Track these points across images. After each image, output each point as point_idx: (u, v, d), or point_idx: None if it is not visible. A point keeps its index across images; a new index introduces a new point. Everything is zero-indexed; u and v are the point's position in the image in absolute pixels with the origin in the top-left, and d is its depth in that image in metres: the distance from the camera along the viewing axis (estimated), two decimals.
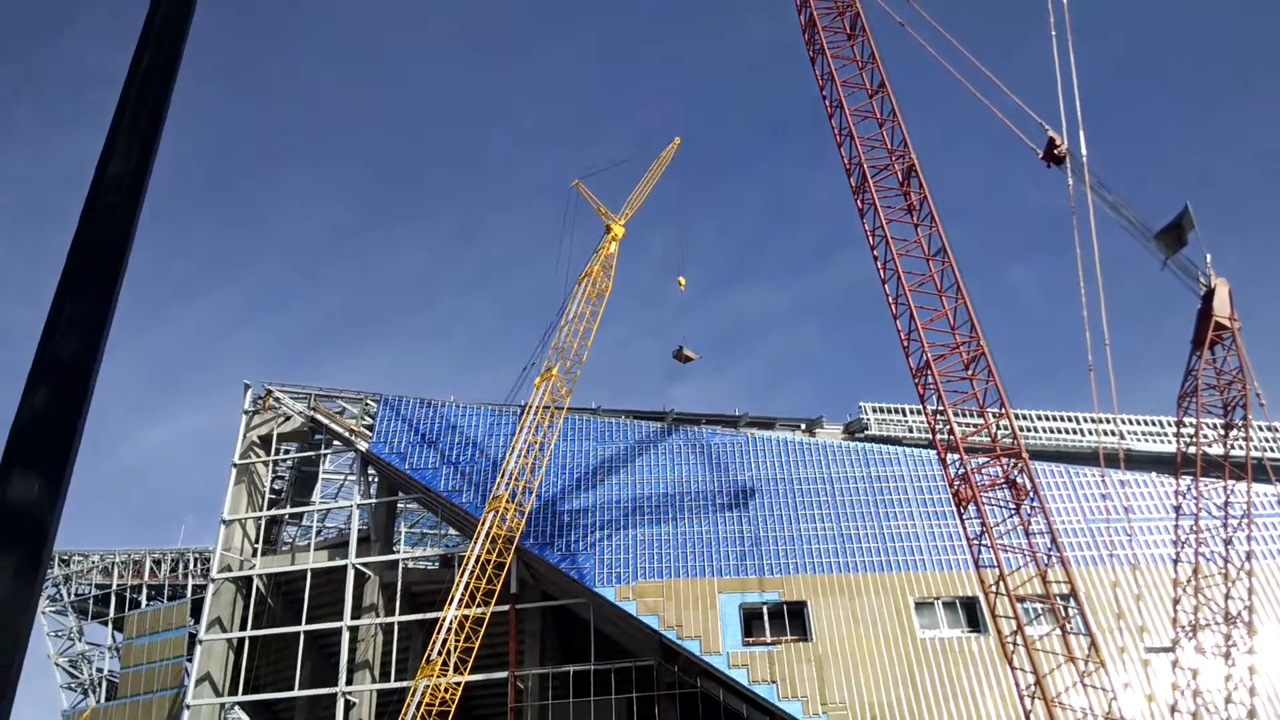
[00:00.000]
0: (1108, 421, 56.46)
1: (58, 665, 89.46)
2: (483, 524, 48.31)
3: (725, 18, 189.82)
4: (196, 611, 67.42)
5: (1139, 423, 59.46)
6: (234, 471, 60.06)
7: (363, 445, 57.64)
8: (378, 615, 55.06)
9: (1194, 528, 40.31)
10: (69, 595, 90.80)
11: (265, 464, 61.99)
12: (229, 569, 57.54)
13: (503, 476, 49.75)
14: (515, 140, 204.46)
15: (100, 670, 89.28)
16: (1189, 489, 40.50)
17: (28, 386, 3.94)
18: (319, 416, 60.31)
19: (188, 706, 53.76)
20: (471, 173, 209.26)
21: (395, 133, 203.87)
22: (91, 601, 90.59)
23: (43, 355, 3.99)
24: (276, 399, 61.70)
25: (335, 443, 61.30)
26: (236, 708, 63.76)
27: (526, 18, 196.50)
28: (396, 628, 54.49)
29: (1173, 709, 38.79)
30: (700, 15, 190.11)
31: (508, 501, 48.69)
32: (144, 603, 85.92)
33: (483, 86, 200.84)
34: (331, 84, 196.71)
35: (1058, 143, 38.01)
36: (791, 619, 47.36)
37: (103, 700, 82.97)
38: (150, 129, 4.67)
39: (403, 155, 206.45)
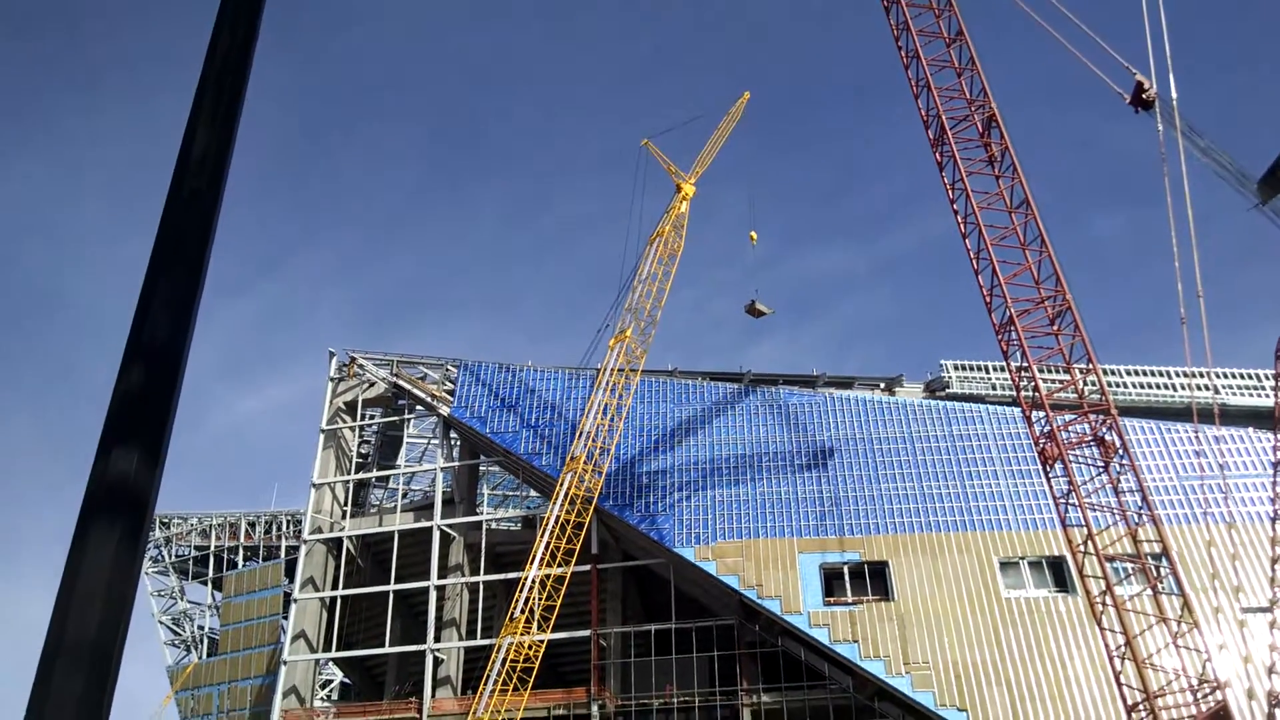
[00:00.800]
0: (1202, 376, 54.60)
1: (161, 623, 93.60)
2: (561, 484, 48.98)
3: None
4: (290, 571, 69.88)
5: (1235, 376, 57.40)
6: (322, 437, 61.75)
7: (444, 410, 58.71)
8: (463, 575, 56.34)
9: None
10: (170, 556, 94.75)
11: (351, 429, 63.57)
12: (320, 530, 59.36)
13: (580, 438, 50.25)
14: (585, 105, 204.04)
15: (201, 628, 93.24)
16: None
17: (123, 365, 4.11)
18: (401, 382, 61.57)
19: (284, 662, 55.85)
20: (542, 138, 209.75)
21: (464, 100, 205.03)
22: (191, 562, 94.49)
23: (136, 335, 4.15)
24: (360, 366, 63.13)
25: (418, 408, 62.57)
26: (330, 663, 66.13)
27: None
28: (481, 587, 55.71)
29: (1270, 670, 37.75)
30: None
31: (585, 463, 49.21)
32: (240, 563, 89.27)
33: (551, 51, 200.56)
34: (400, 55, 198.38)
35: (1146, 86, 36.58)
36: (873, 579, 47.14)
37: (204, 656, 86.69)
38: (229, 112, 4.80)
39: (472, 122, 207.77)
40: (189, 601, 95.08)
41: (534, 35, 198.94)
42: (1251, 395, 55.79)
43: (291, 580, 65.56)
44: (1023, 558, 46.84)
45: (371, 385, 62.90)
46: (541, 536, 48.07)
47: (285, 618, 66.71)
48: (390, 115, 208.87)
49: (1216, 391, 52.45)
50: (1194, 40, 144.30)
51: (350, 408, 63.41)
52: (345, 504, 61.67)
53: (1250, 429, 50.97)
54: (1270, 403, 43.06)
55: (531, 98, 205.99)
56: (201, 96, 4.83)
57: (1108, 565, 34.54)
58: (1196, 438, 48.14)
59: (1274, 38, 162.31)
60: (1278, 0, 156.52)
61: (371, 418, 65.66)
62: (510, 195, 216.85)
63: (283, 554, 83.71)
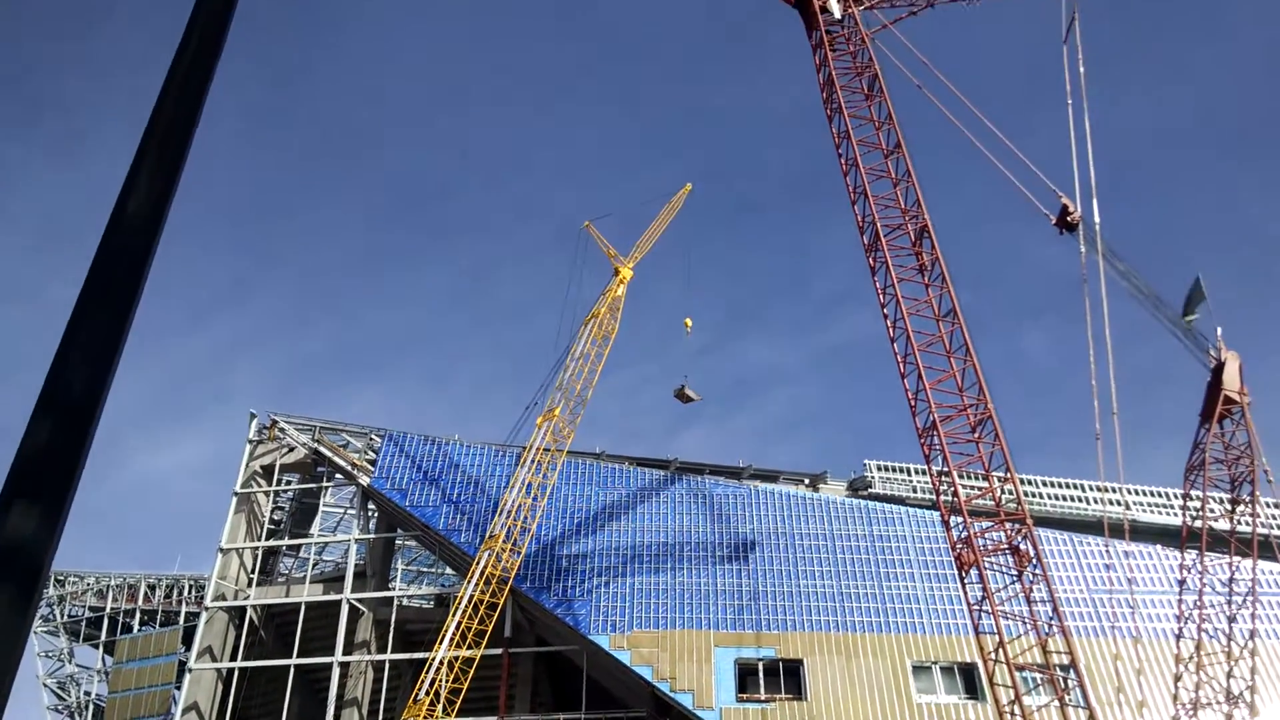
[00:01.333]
0: (1113, 491, 56.05)
1: (46, 686, 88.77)
2: (477, 563, 47.99)
3: (743, 74, 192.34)
4: (188, 639, 66.96)
5: (1145, 493, 59.05)
6: (234, 500, 59.90)
7: (364, 480, 57.51)
8: (369, 652, 54.54)
9: (1198, 603, 39.91)
10: (61, 616, 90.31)
11: (266, 494, 61.83)
12: (223, 598, 57.18)
13: (500, 516, 49.51)
14: (531, 187, 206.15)
15: (88, 694, 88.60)
16: (1194, 563, 40.16)
17: (33, 418, 3.94)
18: (322, 449, 60.26)
19: None
20: (485, 217, 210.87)
21: (409, 173, 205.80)
22: (84, 624, 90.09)
23: (51, 386, 3.99)
24: (281, 429, 61.71)
25: (337, 476, 61.17)
26: None
27: (548, 68, 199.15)
28: (387, 666, 53.95)
29: None
30: (719, 71, 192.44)
31: (504, 541, 48.41)
32: (136, 627, 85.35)
33: (499, 133, 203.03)
34: (347, 121, 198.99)
35: (1070, 209, 38.26)
36: (787, 676, 46.77)
37: None
38: (172, 168, 4.72)
39: (416, 196, 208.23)
40: (77, 665, 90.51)
41: (484, 114, 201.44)
42: (1161, 513, 57.37)
43: (188, 648, 62.84)
44: (935, 662, 46.96)
45: (291, 450, 61.40)
46: (453, 615, 46.84)
47: (178, 688, 63.65)
48: (334, 180, 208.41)
49: (1127, 507, 53.85)
50: (1118, 166, 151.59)
51: (267, 472, 61.75)
52: (252, 571, 59.61)
53: (1159, 546, 52.28)
54: (1179, 521, 44.27)
55: (478, 176, 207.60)
56: (144, 152, 4.75)
57: (1017, 675, 34.82)
58: (1107, 551, 49.20)
59: (1195, 165, 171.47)
60: (1200, 131, 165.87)
61: (288, 483, 63.97)
62: (450, 270, 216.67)
63: (181, 620, 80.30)
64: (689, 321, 57.98)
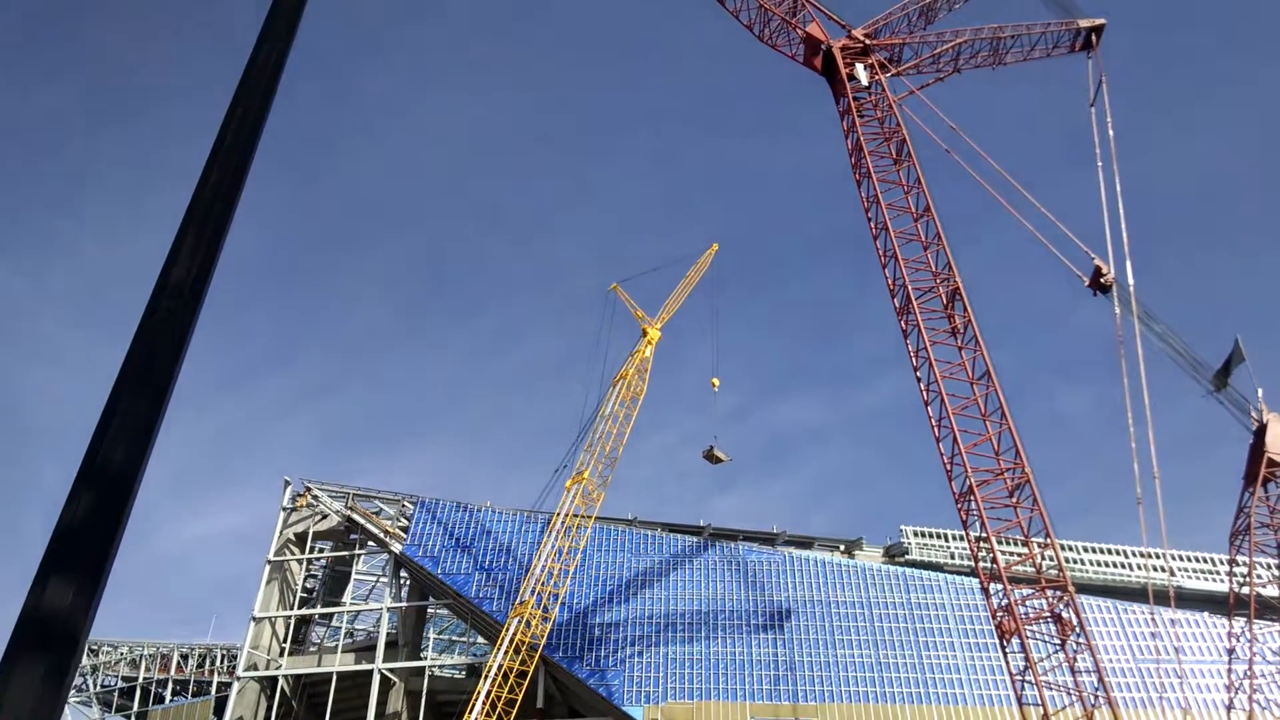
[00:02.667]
0: (1157, 557, 54.79)
1: None
2: (507, 629, 47.36)
3: (775, 134, 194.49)
4: (220, 710, 66.56)
5: (1190, 559, 57.67)
6: (267, 568, 59.93)
7: (397, 547, 57.42)
8: None
9: (1248, 673, 38.67)
10: (95, 686, 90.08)
11: (299, 562, 61.84)
12: (255, 667, 56.90)
13: (529, 582, 49.05)
14: (563, 250, 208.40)
15: None
16: (1243, 631, 39.01)
17: (73, 492, 3.97)
18: (355, 516, 60.34)
19: None
20: (521, 278, 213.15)
21: (443, 239, 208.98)
22: (116, 694, 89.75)
23: (90, 460, 4.03)
24: (315, 497, 61.92)
25: (370, 543, 61.14)
26: None
27: (581, 128, 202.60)
28: None
29: None
30: (751, 133, 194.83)
31: (534, 608, 47.85)
32: (168, 698, 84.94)
33: (529, 197, 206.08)
34: (381, 190, 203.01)
35: (1104, 271, 38.05)
36: None
37: None
38: (214, 240, 4.82)
39: (449, 261, 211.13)
40: None
41: (516, 179, 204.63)
42: (1207, 579, 55.95)
43: (220, 719, 62.39)
44: None
45: (324, 517, 61.53)
46: (483, 683, 46.14)
47: None
48: (369, 248, 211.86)
49: (1172, 574, 52.57)
50: (1153, 228, 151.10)
51: (300, 539, 61.84)
52: (285, 640, 59.36)
53: (1205, 613, 50.88)
54: (1225, 588, 43.14)
55: (511, 236, 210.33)
56: (187, 224, 4.86)
57: None
58: (1152, 619, 47.94)
59: (1230, 229, 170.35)
60: (1234, 190, 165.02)
61: (321, 551, 64.00)
62: (481, 333, 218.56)
63: (213, 690, 79.84)
64: (716, 381, 57.99)
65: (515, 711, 45.92)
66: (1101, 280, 38.02)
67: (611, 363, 57.71)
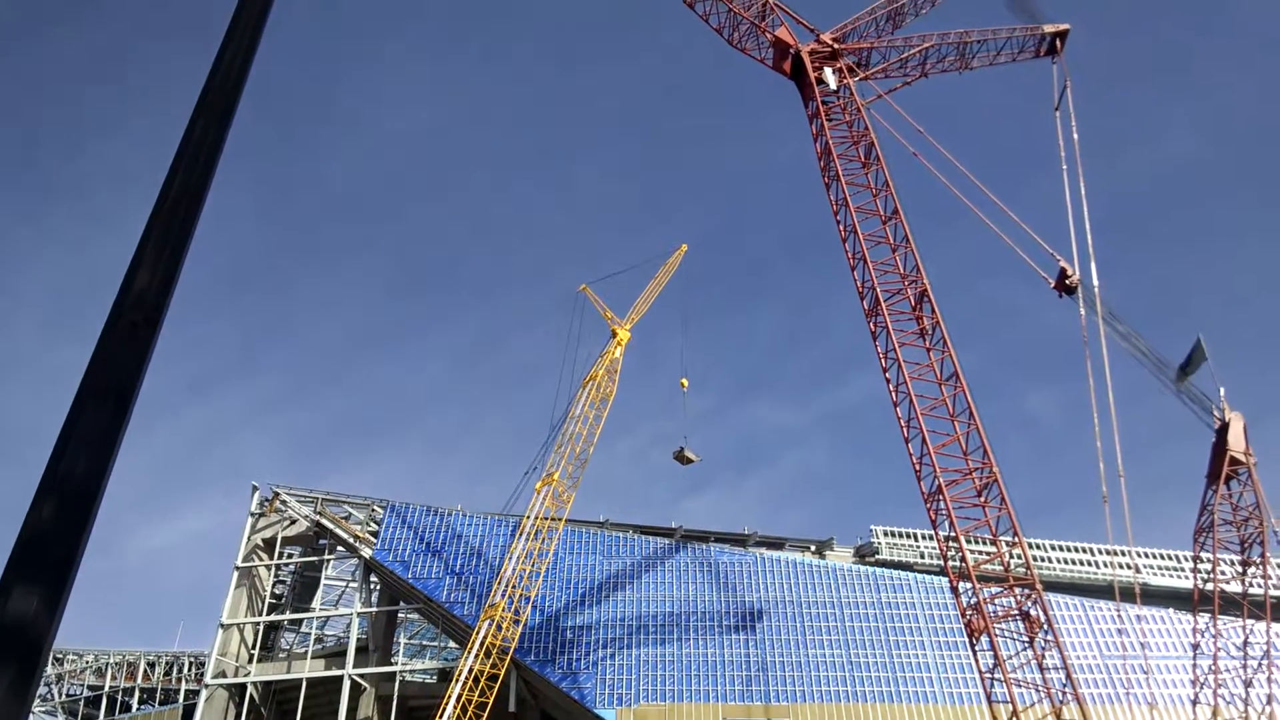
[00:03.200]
0: (1123, 554, 55.51)
1: None
2: (477, 633, 47.19)
3: (749, 140, 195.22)
4: (188, 718, 65.78)
5: (1155, 556, 58.47)
6: (235, 574, 59.37)
7: (367, 552, 57.07)
8: None
9: (1213, 668, 39.25)
10: (59, 695, 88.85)
11: (267, 568, 61.30)
12: (223, 674, 56.33)
13: (500, 584, 48.90)
14: (542, 252, 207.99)
15: None
16: (1207, 627, 39.59)
17: (35, 502, 3.95)
18: (324, 521, 59.90)
19: None
20: (489, 286, 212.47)
21: (420, 241, 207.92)
22: (82, 703, 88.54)
23: (52, 471, 4.01)
24: (283, 502, 61.42)
25: (339, 548, 60.72)
26: None
27: (551, 137, 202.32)
28: None
29: None
30: (725, 137, 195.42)
31: (504, 610, 47.68)
32: (135, 706, 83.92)
33: (504, 202, 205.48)
34: (352, 195, 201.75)
35: (1069, 273, 38.50)
36: None
37: None
38: (177, 248, 4.79)
39: (424, 267, 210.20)
40: None
41: (493, 182, 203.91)
42: (1173, 576, 56.75)
43: None
44: None
45: (293, 523, 61.05)
46: (454, 686, 45.92)
47: None
48: (338, 253, 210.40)
49: (1138, 570, 53.27)
50: (1118, 229, 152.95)
51: (269, 545, 61.30)
52: (253, 647, 58.80)
53: (1171, 610, 51.59)
54: (1190, 584, 43.77)
55: (487, 241, 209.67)
56: (150, 232, 4.83)
57: None
58: (1119, 615, 48.53)
59: (1193, 230, 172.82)
60: (1191, 188, 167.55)
61: (290, 556, 63.47)
62: (453, 339, 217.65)
63: (181, 698, 78.96)
64: (685, 381, 58.11)
65: (486, 715, 45.75)
66: (1067, 282, 38.48)
67: (581, 364, 57.67)
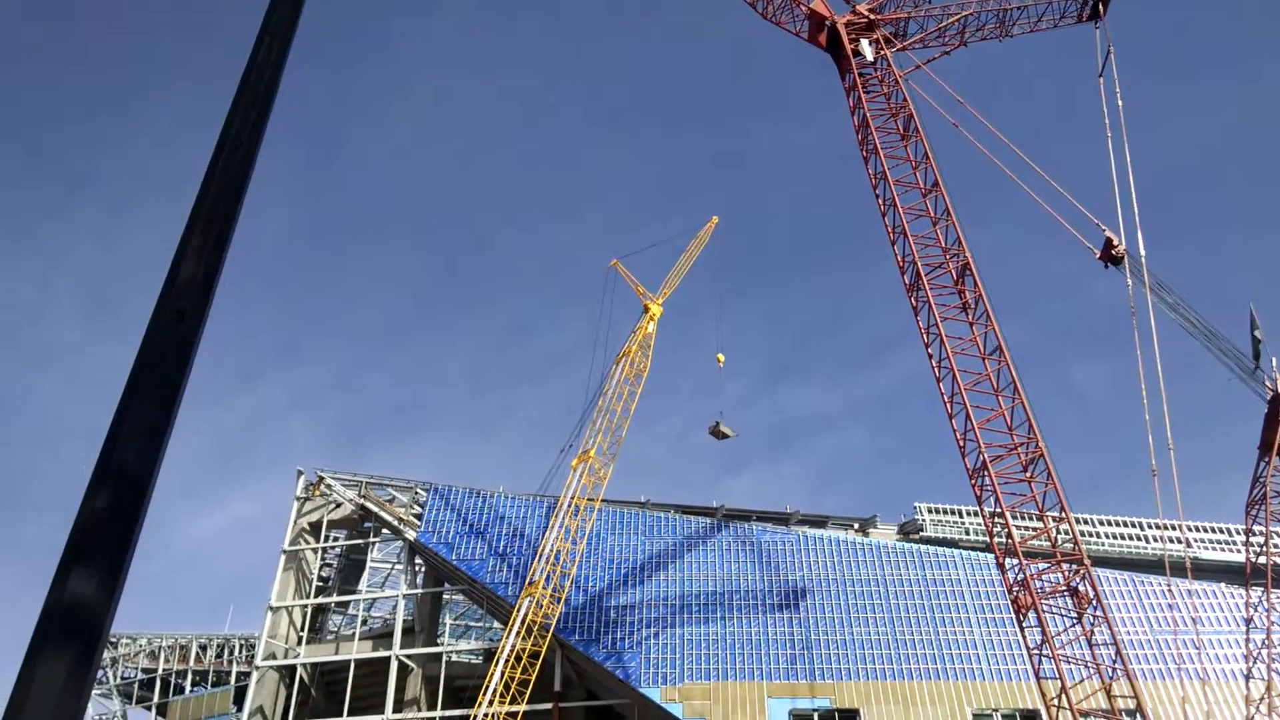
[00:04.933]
0: (1173, 529, 54.71)
1: None
2: (518, 610, 47.49)
3: (786, 119, 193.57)
4: (240, 699, 67.18)
5: (1206, 530, 57.52)
6: (283, 558, 60.29)
7: (411, 534, 57.68)
8: (419, 708, 54.30)
9: (1266, 642, 38.65)
10: (115, 679, 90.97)
11: (314, 551, 62.19)
12: (273, 657, 57.34)
13: (539, 561, 49.16)
14: (576, 236, 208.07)
15: None
16: (1260, 601, 38.96)
17: (90, 488, 4.01)
18: (369, 504, 60.61)
19: None
20: (529, 267, 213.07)
21: (455, 229, 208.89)
22: (137, 685, 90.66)
23: (106, 459, 4.06)
24: (328, 486, 62.20)
25: (384, 531, 61.43)
26: None
27: (588, 117, 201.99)
28: None
29: None
30: (762, 112, 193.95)
31: (544, 588, 47.91)
32: (188, 688, 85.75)
33: (542, 184, 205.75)
34: (391, 182, 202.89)
35: (1115, 243, 37.83)
36: None
37: None
38: (221, 239, 4.82)
39: (462, 250, 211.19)
40: None
41: (527, 165, 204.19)
42: (1224, 550, 55.81)
43: (240, 708, 62.97)
44: (996, 709, 45.79)
45: (338, 506, 61.83)
46: (496, 664, 46.24)
47: None
48: (381, 239, 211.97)
49: (1188, 545, 52.48)
50: (1164, 199, 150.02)
51: (314, 528, 62.15)
52: (302, 629, 59.76)
53: (1223, 584, 50.81)
54: (1242, 558, 43.06)
55: (519, 226, 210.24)
56: (194, 222, 4.86)
57: None
58: (1169, 591, 47.90)
59: (1240, 199, 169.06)
60: (1243, 160, 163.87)
61: (336, 540, 64.33)
62: (493, 321, 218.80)
63: (233, 680, 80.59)
64: (721, 356, 57.85)
65: (529, 692, 46.15)
66: (1113, 253, 37.81)
67: (614, 341, 57.53)
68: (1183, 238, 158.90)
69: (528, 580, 49.04)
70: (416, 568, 58.97)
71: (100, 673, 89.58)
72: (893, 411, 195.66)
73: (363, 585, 67.17)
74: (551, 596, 47.80)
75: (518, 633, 46.68)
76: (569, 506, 50.33)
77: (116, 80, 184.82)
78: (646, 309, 57.98)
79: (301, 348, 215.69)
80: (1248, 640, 39.98)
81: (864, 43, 41.86)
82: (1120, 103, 41.44)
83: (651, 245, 62.36)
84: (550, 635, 47.29)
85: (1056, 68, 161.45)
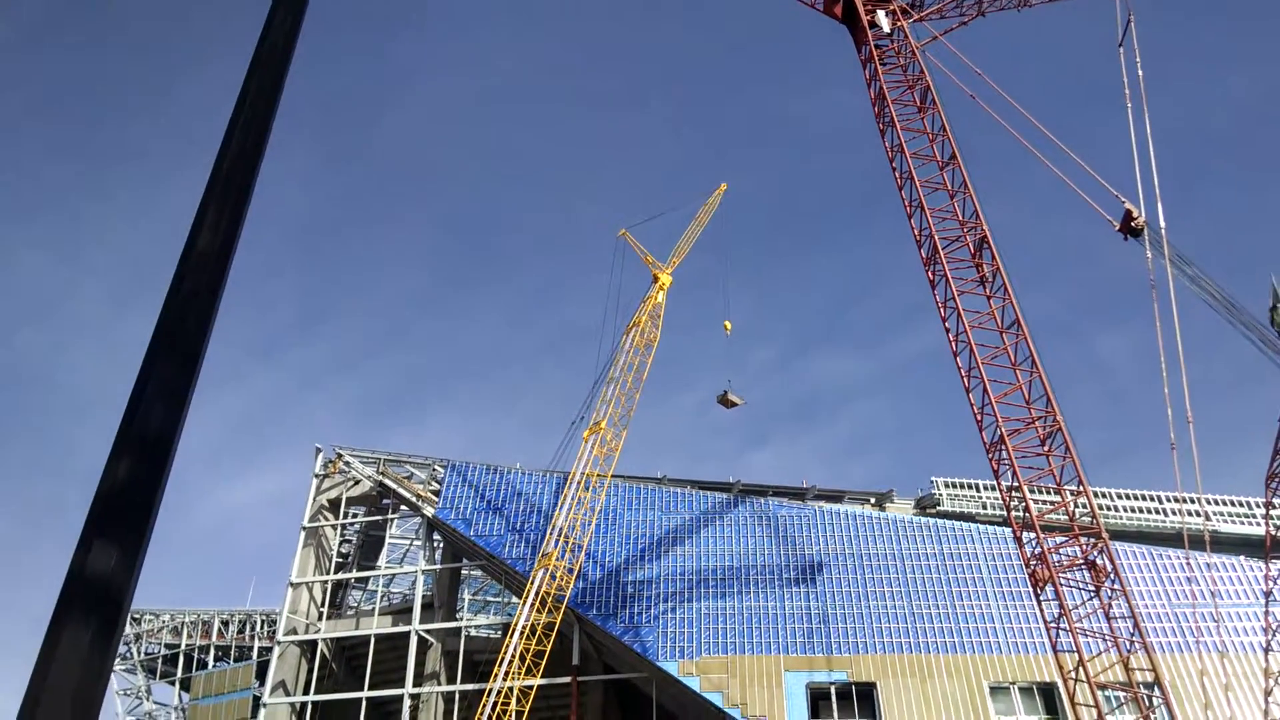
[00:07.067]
0: (1192, 502, 54.46)
1: None
2: (532, 582, 47.78)
3: (805, 87, 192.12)
4: (262, 674, 67.93)
5: (1225, 503, 57.25)
6: (302, 534, 60.82)
7: (429, 511, 58.03)
8: (439, 683, 54.83)
9: None
10: (138, 654, 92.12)
11: (333, 528, 62.67)
12: (294, 632, 57.96)
13: (552, 533, 49.36)
14: (593, 210, 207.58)
15: None
16: (1279, 574, 38.80)
17: (111, 457, 4.04)
18: (387, 481, 60.97)
19: None
20: (547, 241, 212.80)
21: (474, 201, 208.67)
22: (160, 661, 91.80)
23: (126, 427, 4.09)
24: (346, 463, 62.59)
25: (402, 507, 61.84)
26: None
27: (606, 88, 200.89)
28: (457, 696, 54.16)
29: None
30: (780, 84, 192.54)
31: (558, 559, 48.13)
32: (211, 663, 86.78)
33: (562, 155, 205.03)
34: (410, 154, 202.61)
35: (1134, 215, 37.47)
36: (860, 700, 46.01)
37: None
38: (235, 212, 4.83)
39: (481, 223, 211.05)
40: (155, 703, 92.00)
41: (548, 136, 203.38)
42: (1243, 523, 55.56)
43: (262, 683, 63.63)
44: (1013, 683, 45.86)
45: (357, 483, 62.25)
46: (511, 635, 46.56)
47: None
48: (398, 215, 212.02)
49: (1207, 518, 52.25)
50: (1186, 169, 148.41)
51: (334, 505, 62.62)
52: (322, 605, 60.37)
53: (1241, 557, 50.59)
54: (1261, 530, 42.86)
55: (539, 202, 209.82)
56: (210, 194, 4.87)
57: (1099, 694, 33.79)
58: (1188, 564, 47.73)
59: (1262, 163, 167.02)
60: (1267, 123, 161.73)
61: (355, 516, 64.81)
62: (512, 297, 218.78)
63: (255, 655, 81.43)
64: (728, 324, 57.71)
65: (548, 665, 46.47)
66: (1132, 224, 37.46)
67: (625, 311, 57.30)
68: (1204, 208, 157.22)
69: (541, 552, 49.29)
70: (435, 544, 59.38)
71: (124, 648, 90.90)
72: (915, 381, 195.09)
73: (382, 561, 67.71)
74: (565, 567, 48.02)
75: (532, 604, 46.99)
76: (580, 478, 50.43)
77: (142, 53, 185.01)
78: (656, 278, 57.75)
79: (319, 323, 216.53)
80: (1267, 613, 39.87)
81: (880, 14, 41.45)
82: (1140, 73, 40.93)
83: (658, 214, 61.66)
84: (564, 607, 47.57)
85: (1077, 37, 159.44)
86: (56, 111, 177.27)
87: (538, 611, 46.79)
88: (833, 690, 46.26)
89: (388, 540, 67.49)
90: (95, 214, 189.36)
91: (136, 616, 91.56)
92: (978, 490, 56.97)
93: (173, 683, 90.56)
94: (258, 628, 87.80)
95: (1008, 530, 40.50)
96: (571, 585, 48.18)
